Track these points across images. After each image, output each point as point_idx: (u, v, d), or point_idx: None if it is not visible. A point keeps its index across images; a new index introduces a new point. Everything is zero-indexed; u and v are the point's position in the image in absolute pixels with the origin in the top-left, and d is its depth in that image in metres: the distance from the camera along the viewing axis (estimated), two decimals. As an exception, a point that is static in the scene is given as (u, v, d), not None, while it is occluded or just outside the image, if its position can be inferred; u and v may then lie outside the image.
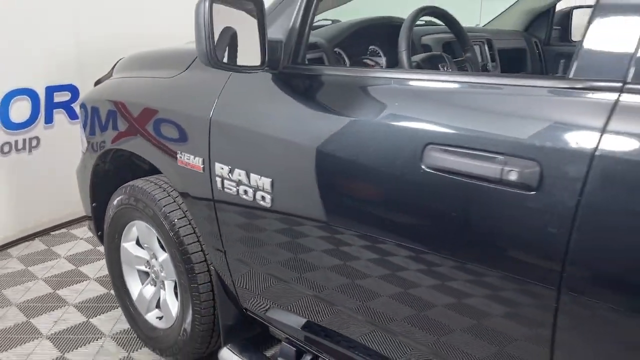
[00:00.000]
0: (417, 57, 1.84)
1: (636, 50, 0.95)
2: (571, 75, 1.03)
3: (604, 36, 0.99)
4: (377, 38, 1.98)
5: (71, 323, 2.60)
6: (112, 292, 2.56)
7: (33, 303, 2.76)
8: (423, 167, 1.18)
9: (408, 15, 1.79)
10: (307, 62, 1.63)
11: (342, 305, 1.50)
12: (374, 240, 1.33)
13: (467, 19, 3.26)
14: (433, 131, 1.19)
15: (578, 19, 2.90)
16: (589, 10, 1.02)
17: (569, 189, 0.98)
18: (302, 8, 1.51)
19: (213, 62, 1.31)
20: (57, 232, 3.63)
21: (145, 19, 3.66)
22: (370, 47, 2.02)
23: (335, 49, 1.92)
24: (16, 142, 3.35)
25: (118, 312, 2.60)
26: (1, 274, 3.06)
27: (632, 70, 0.95)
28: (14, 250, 3.37)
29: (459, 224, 1.16)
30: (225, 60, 1.41)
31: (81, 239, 3.53)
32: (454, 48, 2.17)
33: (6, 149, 3.30)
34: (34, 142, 3.44)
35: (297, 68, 1.55)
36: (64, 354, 2.36)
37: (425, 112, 1.24)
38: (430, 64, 1.84)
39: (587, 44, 1.01)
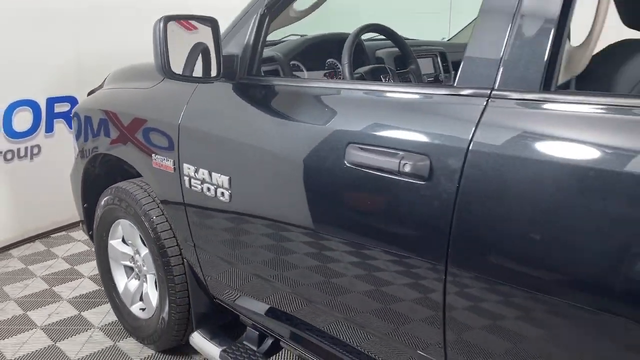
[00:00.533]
0: (362, 69, 2.04)
1: (500, 61, 1.15)
2: (455, 83, 1.23)
3: (477, 51, 1.19)
4: (336, 52, 2.19)
5: (64, 316, 2.81)
6: (103, 288, 2.76)
7: (30, 298, 2.98)
8: (346, 163, 1.38)
9: (352, 32, 2.01)
10: (262, 74, 1.84)
11: (296, 291, 1.69)
12: (310, 228, 1.53)
13: (437, 33, 3.47)
14: (352, 132, 1.39)
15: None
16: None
17: (451, 178, 1.17)
18: (255, 27, 1.72)
19: (167, 74, 1.52)
20: (56, 234, 3.85)
21: (145, 35, 3.88)
22: (329, 60, 2.23)
23: (294, 62, 2.13)
24: (18, 149, 3.58)
25: (107, 306, 2.80)
26: (2, 272, 3.28)
27: (498, 79, 1.15)
28: (16, 251, 3.60)
29: (372, 211, 1.35)
30: (187, 72, 1.63)
31: (79, 241, 3.75)
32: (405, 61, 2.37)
33: (9, 156, 3.53)
34: (35, 150, 3.67)
35: (252, 79, 1.76)
36: (55, 342, 2.57)
37: (347, 116, 1.44)
38: (373, 76, 2.05)
39: (466, 57, 1.21)
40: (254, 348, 2.05)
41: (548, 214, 1.04)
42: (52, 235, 3.83)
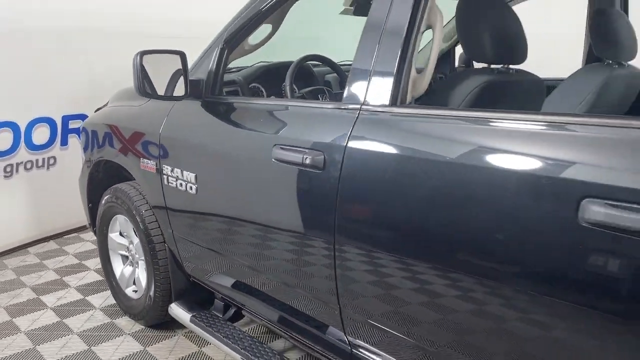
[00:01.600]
0: (304, 90, 2.52)
1: (368, 83, 1.62)
2: (342, 99, 1.71)
3: (355, 75, 1.67)
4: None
5: (70, 299, 3.30)
6: (104, 275, 3.25)
7: (43, 286, 3.47)
8: (273, 159, 1.86)
9: (294, 61, 2.51)
10: (223, 93, 2.33)
11: (251, 266, 2.14)
12: (253, 212, 2.00)
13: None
14: (277, 136, 1.87)
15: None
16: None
17: (336, 168, 1.64)
18: (217, 57, 2.22)
19: (143, 94, 2.03)
20: (69, 235, 4.37)
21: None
22: (283, 84, 2.71)
23: (254, 85, 2.62)
24: (37, 160, 4.12)
25: (108, 292, 3.27)
26: (20, 265, 3.80)
27: (366, 96, 1.62)
28: (33, 248, 4.12)
29: (288, 194, 1.83)
30: (169, 92, 2.13)
31: (88, 241, 4.25)
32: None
33: (29, 165, 4.07)
34: (52, 161, 4.21)
35: (214, 98, 2.25)
36: (62, 319, 3.06)
37: (275, 125, 1.93)
38: (313, 95, 2.53)
39: (348, 80, 1.69)
40: (220, 315, 2.51)
41: (392, 194, 1.50)
42: (65, 236, 4.34)
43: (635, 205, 1.05)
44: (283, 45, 2.81)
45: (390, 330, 1.62)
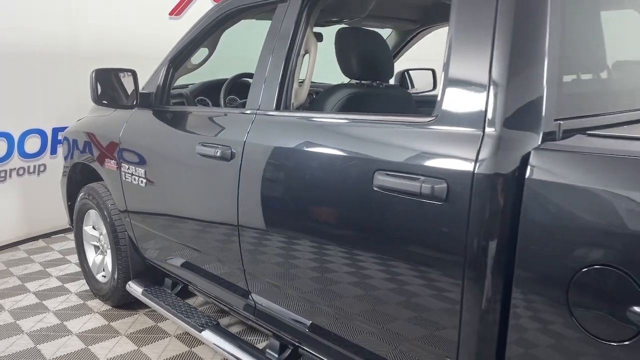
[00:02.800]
0: (241, 101, 3.02)
1: (261, 93, 2.11)
2: (245, 106, 2.19)
3: (254, 85, 2.16)
4: (235, 90, 3.16)
5: (51, 286, 3.77)
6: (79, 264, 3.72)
7: (28, 275, 3.95)
8: (197, 153, 2.34)
9: (229, 78, 3.02)
10: (170, 104, 2.83)
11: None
12: (190, 200, 2.47)
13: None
14: (200, 136, 2.36)
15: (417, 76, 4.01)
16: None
17: (238, 160, 2.12)
18: (163, 75, 2.72)
19: (97, 102, 2.53)
20: (56, 235, 4.85)
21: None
22: (230, 96, 3.21)
23: (201, 97, 3.13)
24: (28, 167, 4.63)
25: (83, 281, 3.74)
26: (10, 259, 4.28)
27: (260, 103, 2.11)
28: (23, 246, 4.61)
29: (206, 183, 2.31)
30: (130, 102, 2.64)
31: (73, 240, 4.72)
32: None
33: (21, 172, 4.58)
34: (42, 168, 4.72)
35: (161, 107, 2.75)
36: (41, 301, 3.52)
37: (201, 127, 2.42)
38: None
39: (250, 91, 2.18)
40: (169, 291, 2.98)
41: (273, 178, 1.98)
42: (52, 236, 4.83)
43: (404, 174, 1.52)
44: (232, 64, 3.32)
45: (277, 284, 2.09)
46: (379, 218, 1.62)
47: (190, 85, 3.20)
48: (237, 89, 3.17)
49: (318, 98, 2.26)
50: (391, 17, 2.98)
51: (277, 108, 2.06)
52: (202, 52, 2.78)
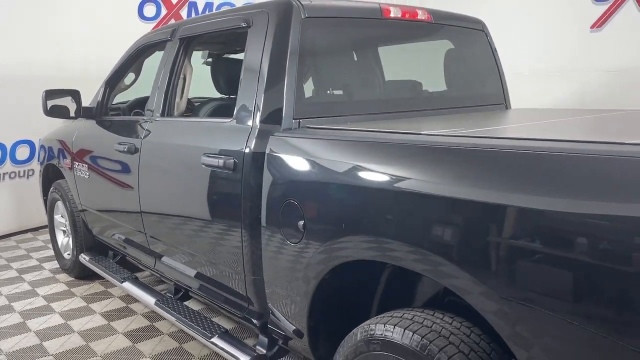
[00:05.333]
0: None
1: (154, 103, 2.98)
2: (146, 113, 3.06)
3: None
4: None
5: (30, 265, 4.66)
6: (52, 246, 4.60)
7: (13, 258, 4.85)
8: (115, 150, 3.21)
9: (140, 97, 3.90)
10: (109, 115, 3.71)
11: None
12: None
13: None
14: (118, 136, 3.23)
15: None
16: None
17: (138, 154, 2.98)
18: (102, 93, 3.61)
19: (46, 114, 3.41)
20: (43, 229, 5.76)
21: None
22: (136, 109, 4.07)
23: (137, 110, 4.00)
24: (19, 171, 5.56)
25: (56, 262, 4.63)
26: (2, 247, 5.20)
27: (154, 111, 2.98)
28: (14, 237, 5.52)
29: (121, 173, 3.17)
30: (78, 114, 3.52)
31: (56, 232, 5.63)
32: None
33: (13, 175, 5.51)
34: (31, 172, 5.64)
35: (101, 118, 3.63)
36: (20, 275, 4.41)
37: (122, 130, 3.29)
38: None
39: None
40: (111, 260, 3.85)
41: (155, 166, 2.83)
42: (39, 230, 5.74)
43: (215, 155, 2.36)
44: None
45: (164, 240, 2.93)
46: (205, 184, 2.46)
47: (129, 101, 4.08)
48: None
49: (196, 107, 3.12)
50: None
51: (163, 115, 2.92)
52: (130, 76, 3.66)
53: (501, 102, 3.16)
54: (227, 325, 3.21)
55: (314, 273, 1.95)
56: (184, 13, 6.48)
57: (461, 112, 2.84)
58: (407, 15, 2.67)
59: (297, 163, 2.03)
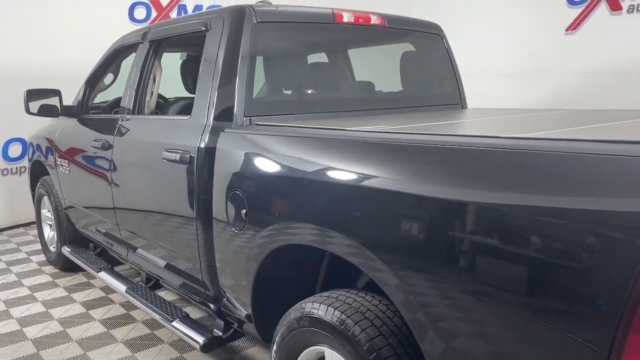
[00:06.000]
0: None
1: (126, 102, 3.16)
2: (119, 112, 3.24)
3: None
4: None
5: (19, 257, 4.85)
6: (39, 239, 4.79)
7: (4, 251, 5.04)
8: (91, 146, 3.39)
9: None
10: (89, 113, 3.90)
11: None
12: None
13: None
14: (95, 133, 3.41)
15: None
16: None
17: (111, 149, 3.16)
18: (82, 92, 3.80)
19: (28, 113, 3.60)
20: (34, 224, 5.94)
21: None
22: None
23: (116, 109, 4.18)
24: (11, 168, 5.76)
25: (43, 256, 4.82)
26: (-7, 240, 5.41)
27: (126, 109, 3.16)
28: (6, 232, 5.72)
29: (97, 169, 3.36)
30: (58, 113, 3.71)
31: (46, 227, 5.82)
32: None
33: (5, 172, 5.71)
34: (22, 169, 5.83)
35: (80, 116, 3.82)
36: (8, 267, 4.60)
37: (95, 129, 3.47)
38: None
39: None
40: (92, 253, 4.03)
41: (125, 161, 3.01)
42: (31, 225, 5.94)
43: (174, 150, 2.53)
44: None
45: (133, 232, 3.11)
46: (166, 178, 2.63)
47: (109, 100, 4.27)
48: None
49: (166, 106, 3.30)
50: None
51: (134, 113, 3.10)
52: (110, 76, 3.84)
53: (457, 102, 3.32)
54: (199, 313, 3.39)
55: (254, 258, 2.12)
56: (173, 15, 6.66)
57: (414, 112, 3.00)
58: (360, 20, 2.84)
59: (241, 157, 2.20)
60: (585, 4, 5.45)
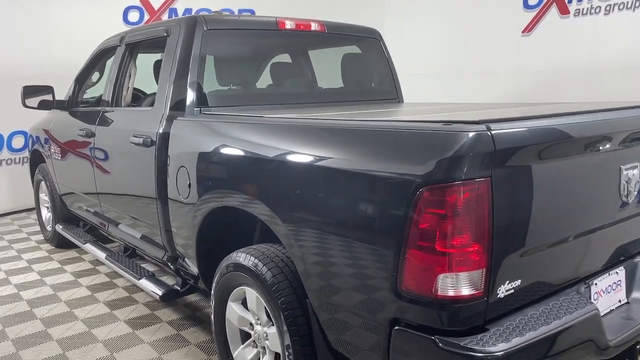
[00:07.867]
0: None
1: (105, 95, 3.69)
2: (101, 105, 3.78)
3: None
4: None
5: (20, 237, 5.41)
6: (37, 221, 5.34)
7: (7, 232, 5.60)
8: (79, 133, 3.92)
9: None
10: (79, 106, 4.43)
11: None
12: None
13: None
14: (81, 123, 3.95)
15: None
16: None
17: (101, 136, 3.70)
18: (73, 88, 4.33)
19: (24, 106, 4.14)
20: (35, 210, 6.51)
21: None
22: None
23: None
24: (15, 158, 6.33)
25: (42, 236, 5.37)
26: (0, 223, 5.98)
27: (106, 102, 3.69)
28: (10, 216, 6.29)
29: (83, 155, 3.89)
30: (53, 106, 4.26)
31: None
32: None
33: (9, 162, 6.29)
34: (25, 159, 6.39)
35: (71, 109, 4.36)
36: (10, 244, 5.16)
37: (82, 120, 4.01)
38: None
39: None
40: (81, 229, 4.58)
41: (103, 147, 3.54)
42: (33, 210, 6.50)
43: (139, 135, 3.06)
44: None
45: (116, 211, 3.64)
46: (133, 159, 3.16)
47: (96, 96, 4.80)
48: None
49: (142, 98, 3.84)
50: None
51: (112, 105, 3.63)
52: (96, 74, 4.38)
53: (394, 97, 3.83)
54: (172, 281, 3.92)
55: (197, 220, 2.64)
56: (165, 18, 7.20)
57: (351, 105, 3.51)
58: (301, 27, 3.35)
59: (187, 139, 2.73)
60: (539, 8, 5.91)
